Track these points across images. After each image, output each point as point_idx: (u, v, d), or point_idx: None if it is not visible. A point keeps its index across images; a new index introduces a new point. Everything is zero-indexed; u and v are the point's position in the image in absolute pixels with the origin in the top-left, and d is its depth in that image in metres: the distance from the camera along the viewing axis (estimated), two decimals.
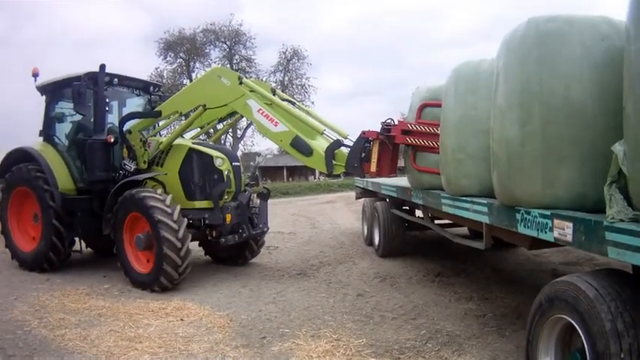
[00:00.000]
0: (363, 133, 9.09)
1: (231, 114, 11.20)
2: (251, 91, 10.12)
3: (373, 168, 9.02)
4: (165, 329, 7.53)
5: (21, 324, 7.81)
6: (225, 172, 10.69)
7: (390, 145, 9.01)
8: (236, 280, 10.72)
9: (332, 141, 9.53)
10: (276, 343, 6.88)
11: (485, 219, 6.34)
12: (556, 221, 4.61)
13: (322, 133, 9.81)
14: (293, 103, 11.01)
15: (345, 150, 9.39)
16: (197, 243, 12.32)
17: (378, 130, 8.95)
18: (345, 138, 9.57)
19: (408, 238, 12.62)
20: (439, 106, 8.29)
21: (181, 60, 52.97)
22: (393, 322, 7.65)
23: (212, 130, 13.32)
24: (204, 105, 10.41)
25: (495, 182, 5.79)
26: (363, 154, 9.12)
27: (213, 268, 11.88)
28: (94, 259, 13.15)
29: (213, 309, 8.56)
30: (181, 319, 8.00)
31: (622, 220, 3.80)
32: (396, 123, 8.90)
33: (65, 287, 10.09)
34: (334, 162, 9.36)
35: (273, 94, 10.69)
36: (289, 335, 7.19)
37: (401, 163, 9.60)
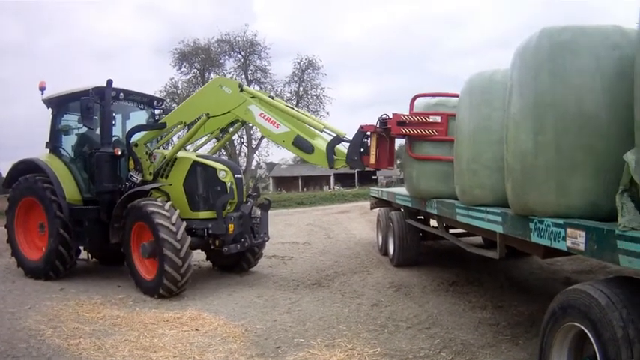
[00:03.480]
0: (361, 127, 9.42)
1: (232, 123, 11.45)
2: (251, 97, 10.48)
3: (372, 160, 9.42)
4: (180, 339, 7.57)
5: (35, 333, 7.86)
6: (228, 184, 11.02)
7: (387, 138, 9.40)
8: (251, 289, 10.76)
9: (331, 138, 9.84)
10: (290, 353, 6.92)
11: (499, 228, 6.36)
12: (569, 230, 4.64)
13: (322, 131, 10.19)
14: (291, 108, 11.16)
15: (344, 146, 9.69)
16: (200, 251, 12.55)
17: (375, 124, 9.29)
18: (344, 136, 9.82)
19: (422, 247, 12.63)
20: (430, 95, 9.23)
21: (196, 70, 52.99)
22: (408, 332, 7.67)
23: (222, 134, 13.44)
24: (208, 114, 10.72)
25: (509, 192, 5.81)
26: (362, 149, 9.45)
27: (227, 278, 11.91)
28: (108, 269, 13.17)
29: (228, 319, 8.60)
30: (196, 329, 8.04)
31: (634, 229, 3.82)
32: (390, 117, 9.19)
33: (79, 297, 10.16)
34: (335, 157, 9.68)
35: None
36: (304, 345, 7.22)
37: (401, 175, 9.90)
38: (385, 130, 9.20)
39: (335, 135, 9.86)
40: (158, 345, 7.30)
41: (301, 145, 9.86)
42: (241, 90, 10.47)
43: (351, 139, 9.57)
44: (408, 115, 9.03)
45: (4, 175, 12.93)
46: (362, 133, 9.41)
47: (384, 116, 9.25)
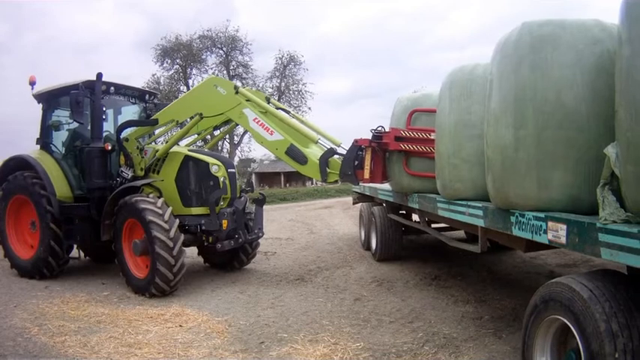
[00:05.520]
0: (356, 141, 9.20)
1: (227, 121, 11.24)
2: (247, 100, 10.17)
3: (366, 175, 9.17)
4: (165, 335, 7.55)
5: (21, 331, 7.81)
6: (221, 179, 10.79)
7: (381, 152, 9.20)
8: (234, 285, 10.75)
9: (326, 149, 9.62)
10: (274, 348, 6.91)
11: (480, 222, 6.38)
12: (550, 223, 4.66)
13: (317, 142, 9.90)
14: (287, 112, 11.06)
15: (338, 158, 9.47)
16: (194, 249, 12.44)
17: (370, 138, 9.11)
18: (338, 146, 9.69)
19: (405, 242, 12.69)
20: (428, 112, 8.65)
21: (178, 66, 52.74)
22: (391, 326, 7.68)
23: (209, 137, 13.33)
24: (201, 114, 10.48)
25: (490, 186, 5.83)
26: (356, 162, 9.23)
27: (211, 275, 11.90)
28: (93, 266, 13.15)
29: (211, 315, 8.59)
30: (180, 325, 8.02)
31: (615, 222, 3.84)
32: (387, 130, 9.10)
33: (64, 294, 10.09)
34: (328, 170, 9.43)
35: (268, 103, 10.78)
36: (287, 340, 7.22)
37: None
38: (380, 145, 9.06)
39: (329, 147, 9.70)
40: (143, 341, 7.28)
41: (295, 154, 9.60)
42: (237, 92, 10.20)
43: (346, 149, 9.38)
44: (406, 131, 8.90)
45: None
46: (356, 147, 9.20)
47: (380, 129, 9.14)
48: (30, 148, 12.58)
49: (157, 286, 9.67)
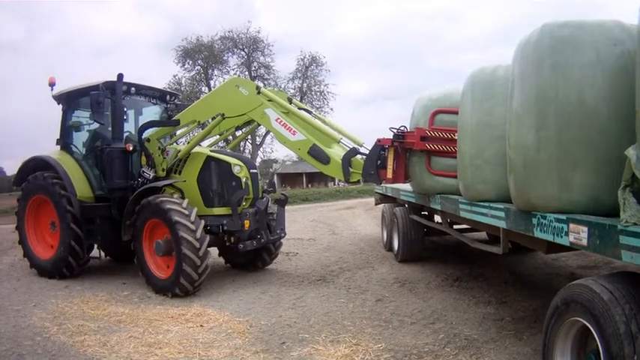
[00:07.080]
0: (379, 140, 9.17)
1: (249, 122, 11.26)
2: (269, 100, 10.20)
3: (389, 174, 9.14)
4: (185, 335, 7.60)
5: (40, 330, 7.90)
6: (243, 179, 10.81)
7: (404, 152, 9.17)
8: (256, 286, 10.79)
9: (348, 149, 9.61)
10: (295, 349, 6.93)
11: (502, 224, 6.36)
12: (571, 225, 4.64)
13: (339, 142, 9.93)
14: (309, 112, 11.05)
15: (361, 158, 9.45)
16: (216, 250, 12.42)
17: (392, 138, 9.07)
18: (361, 146, 9.64)
19: (426, 243, 12.65)
20: (450, 112, 8.58)
21: (199, 67, 53.07)
22: (412, 327, 7.67)
23: (231, 137, 13.33)
24: (223, 114, 10.53)
25: (512, 187, 5.81)
26: (379, 162, 9.19)
27: (232, 275, 11.95)
28: (113, 266, 13.25)
29: (232, 315, 8.63)
30: (201, 325, 8.07)
31: (635, 224, 3.82)
32: (409, 130, 9.07)
33: (84, 294, 10.21)
34: (351, 170, 9.42)
35: (290, 103, 10.78)
36: (309, 340, 7.23)
37: None
38: (402, 144, 9.02)
39: (351, 147, 9.68)
40: (163, 341, 7.33)
41: (317, 154, 9.60)
42: (258, 92, 10.24)
43: (368, 149, 9.36)
44: (431, 131, 8.84)
45: (7, 172, 12.84)
46: (379, 146, 9.17)
47: (402, 128, 9.12)
48: (46, 150, 12.70)
49: (182, 287, 9.70)
